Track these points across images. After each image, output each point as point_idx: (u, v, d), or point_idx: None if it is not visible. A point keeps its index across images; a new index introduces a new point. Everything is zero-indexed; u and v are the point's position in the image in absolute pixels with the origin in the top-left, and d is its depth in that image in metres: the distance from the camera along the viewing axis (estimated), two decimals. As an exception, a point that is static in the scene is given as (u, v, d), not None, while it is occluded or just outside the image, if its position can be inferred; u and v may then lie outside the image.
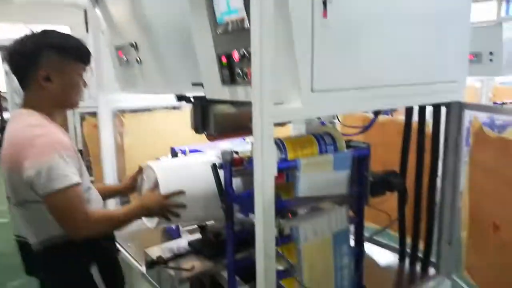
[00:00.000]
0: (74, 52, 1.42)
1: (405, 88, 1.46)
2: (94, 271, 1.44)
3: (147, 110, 2.64)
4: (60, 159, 1.30)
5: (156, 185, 1.71)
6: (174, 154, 2.27)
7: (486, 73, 4.46)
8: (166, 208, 1.61)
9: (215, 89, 1.48)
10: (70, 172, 1.31)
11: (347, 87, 1.25)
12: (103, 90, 2.41)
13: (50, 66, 1.37)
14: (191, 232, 2.32)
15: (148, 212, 1.62)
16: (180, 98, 1.86)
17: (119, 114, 2.57)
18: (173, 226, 2.38)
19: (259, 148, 1.08)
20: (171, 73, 1.90)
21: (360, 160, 1.54)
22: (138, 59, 1.91)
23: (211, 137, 1.91)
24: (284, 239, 1.34)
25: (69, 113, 3.55)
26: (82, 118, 3.63)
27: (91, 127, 3.61)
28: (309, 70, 1.13)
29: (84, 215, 1.34)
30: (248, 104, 1.59)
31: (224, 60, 1.34)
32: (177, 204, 1.63)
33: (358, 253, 1.60)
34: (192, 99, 1.87)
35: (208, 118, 1.83)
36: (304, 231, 1.35)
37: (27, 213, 1.39)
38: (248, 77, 1.25)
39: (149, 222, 1.91)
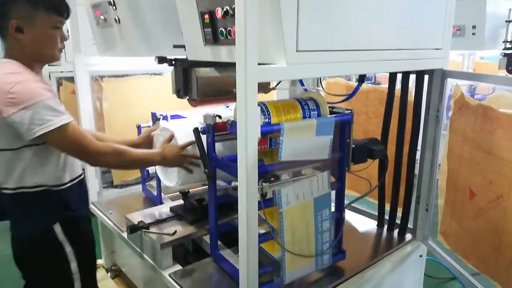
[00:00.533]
0: (45, 3, 1.34)
1: (390, 53, 1.44)
2: (57, 228, 1.42)
3: (127, 75, 2.55)
4: (52, 100, 1.30)
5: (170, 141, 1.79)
6: (155, 119, 2.23)
7: (468, 47, 4.48)
8: (184, 159, 1.66)
9: (198, 50, 1.43)
10: (64, 111, 1.33)
11: (333, 49, 1.22)
12: (80, 53, 2.31)
13: (20, 16, 1.32)
14: (173, 199, 2.32)
15: (165, 161, 1.65)
16: (161, 60, 1.80)
17: (98, 78, 2.48)
18: (155, 193, 2.37)
19: (243, 109, 1.06)
20: (151, 34, 1.83)
21: (343, 126, 1.55)
22: (117, 18, 1.83)
23: (194, 102, 1.87)
24: (266, 203, 1.35)
25: (45, 77, 3.40)
26: (59, 83, 3.49)
27: (68, 93, 3.50)
28: (294, 29, 1.10)
29: (94, 146, 1.39)
30: (232, 67, 1.56)
31: (206, 17, 1.29)
32: (194, 155, 1.66)
33: (339, 218, 1.63)
34: (173, 62, 1.82)
35: (191, 82, 1.77)
36: (286, 195, 1.35)
37: (5, 159, 1.36)
38: (232, 35, 1.21)
39: (169, 181, 1.93)
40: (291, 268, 1.44)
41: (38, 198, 1.39)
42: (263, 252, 1.37)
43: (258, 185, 1.16)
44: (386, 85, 1.95)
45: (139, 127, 2.38)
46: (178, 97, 1.87)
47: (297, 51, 1.12)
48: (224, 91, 1.75)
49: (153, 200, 2.39)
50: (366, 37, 1.34)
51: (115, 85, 2.46)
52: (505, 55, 3.86)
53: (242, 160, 1.11)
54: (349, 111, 1.57)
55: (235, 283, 1.56)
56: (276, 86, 2.01)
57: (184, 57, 1.74)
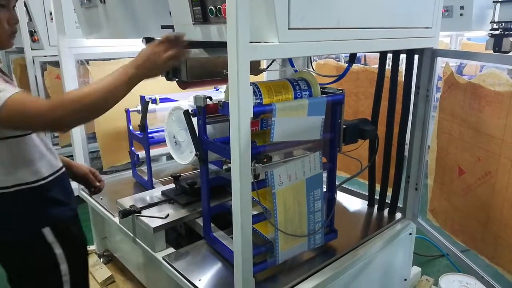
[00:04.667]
0: None
1: (381, 31, 1.44)
2: (46, 231, 1.27)
3: (114, 58, 2.49)
4: None
5: None
6: (144, 102, 2.20)
7: (456, 28, 4.50)
8: (162, 50, 1.25)
9: (187, 30, 1.40)
10: (5, 87, 1.10)
11: (325, 26, 1.21)
12: (64, 36, 2.25)
13: None
14: (164, 183, 2.31)
15: (140, 66, 1.23)
16: (148, 41, 1.76)
17: (84, 62, 2.42)
18: (145, 178, 2.36)
19: (235, 88, 1.05)
20: (138, 14, 1.78)
21: (334, 106, 1.54)
22: (102, -2, 1.78)
23: (183, 85, 1.84)
24: (259, 184, 1.35)
25: (28, 63, 3.31)
26: (44, 68, 3.40)
27: (53, 78, 3.42)
28: (286, 6, 1.08)
29: (44, 103, 1.12)
30: (222, 48, 1.53)
31: (196, -5, 1.26)
32: (171, 37, 1.28)
33: (330, 198, 1.64)
34: None
35: (180, 63, 1.74)
36: (279, 176, 1.35)
37: None
38: (222, 13, 1.18)
39: (183, 159, 1.90)
40: (284, 248, 1.45)
41: (20, 198, 1.24)
42: (256, 233, 1.38)
43: (251, 166, 1.16)
44: (376, 66, 1.95)
45: (127, 112, 2.35)
46: (167, 79, 1.84)
47: (288, 28, 1.10)
48: (214, 73, 1.73)
49: (144, 185, 2.38)
50: (357, 15, 1.33)
51: (102, 68, 2.41)
52: (492, 35, 3.88)
53: (235, 141, 1.10)
54: (340, 91, 1.57)
55: (229, 264, 1.58)
56: (267, 67, 1.99)
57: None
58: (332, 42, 1.26)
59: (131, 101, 2.28)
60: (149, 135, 2.26)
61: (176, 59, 1.29)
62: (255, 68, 1.94)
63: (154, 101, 2.24)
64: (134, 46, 2.11)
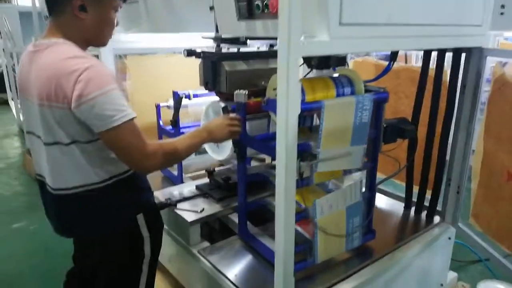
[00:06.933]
0: None
1: (431, 28, 1.39)
2: (140, 217, 1.34)
3: (151, 53, 2.51)
4: (118, 91, 1.15)
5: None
6: (177, 98, 2.19)
7: (497, 27, 4.32)
8: (229, 126, 1.49)
9: (231, 25, 1.39)
10: (126, 105, 1.17)
11: (376, 23, 1.17)
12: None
13: None
14: (194, 178, 2.31)
15: (213, 134, 1.47)
16: (190, 53, 1.77)
17: (122, 57, 2.46)
18: (175, 173, 2.36)
19: (284, 85, 1.03)
20: (177, 10, 1.80)
21: (377, 105, 1.50)
22: (143, -7, 1.80)
23: (222, 95, 1.84)
24: (302, 182, 1.33)
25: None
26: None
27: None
28: (338, 1, 1.05)
29: (148, 148, 1.22)
30: (260, 59, 1.50)
31: (242, -10, 1.24)
32: (237, 118, 1.53)
33: (370, 198, 1.61)
34: (201, 54, 1.78)
35: (220, 75, 1.75)
36: (321, 207, 1.35)
37: (66, 155, 1.22)
38: (270, 8, 1.17)
39: (219, 154, 1.92)
40: (323, 248, 1.43)
41: (116, 189, 1.29)
42: (296, 231, 1.36)
43: (296, 163, 1.14)
44: (415, 64, 1.89)
45: (157, 107, 2.35)
46: (205, 89, 1.85)
47: (340, 24, 1.08)
48: (251, 84, 1.72)
49: (173, 180, 2.37)
50: (407, 11, 1.28)
51: (139, 63, 2.44)
52: (534, 35, 3.70)
53: (282, 137, 1.09)
54: (383, 89, 1.52)
55: (265, 261, 1.57)
56: (306, 75, 1.95)
57: (212, 47, 1.71)
58: (382, 38, 1.22)
59: (166, 96, 2.30)
60: (181, 131, 2.26)
61: (237, 135, 1.54)
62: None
63: (187, 96, 2.22)
64: (171, 42, 2.15)
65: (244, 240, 1.71)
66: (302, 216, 1.38)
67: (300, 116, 1.49)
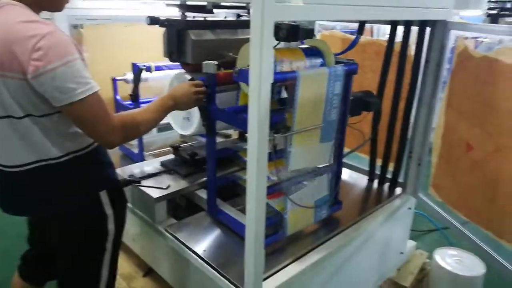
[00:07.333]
0: None
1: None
2: (103, 194, 1.27)
3: (109, 22, 2.35)
4: (81, 61, 1.07)
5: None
6: (136, 70, 2.07)
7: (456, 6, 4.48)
8: (192, 92, 1.44)
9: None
10: (90, 77, 1.09)
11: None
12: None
13: None
14: (156, 156, 2.23)
15: (178, 102, 1.41)
16: (153, 21, 1.66)
17: (78, 26, 2.29)
18: (135, 151, 2.26)
19: (257, 52, 0.99)
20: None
21: (346, 77, 1.50)
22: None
23: (187, 67, 1.76)
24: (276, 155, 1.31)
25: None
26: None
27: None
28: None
29: (113, 121, 1.16)
30: (227, 29, 1.42)
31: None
32: (202, 83, 1.48)
33: (337, 170, 1.62)
34: (165, 23, 1.68)
35: (185, 45, 1.66)
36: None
37: (18, 130, 1.12)
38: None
39: (184, 129, 1.84)
40: (292, 220, 1.44)
41: (77, 164, 1.21)
42: (266, 205, 1.35)
43: (270, 136, 1.11)
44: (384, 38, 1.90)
45: (114, 80, 2.22)
46: (170, 60, 1.76)
47: (314, -11, 1.04)
48: (218, 55, 1.65)
49: (133, 158, 2.27)
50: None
51: (96, 33, 2.28)
52: (489, 15, 3.87)
53: (254, 108, 1.05)
54: (352, 61, 1.52)
55: (235, 235, 1.56)
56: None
57: (177, 17, 1.61)
58: (353, 7, 1.21)
59: (125, 68, 2.17)
60: (141, 106, 2.14)
61: (202, 102, 1.49)
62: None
63: (148, 69, 2.10)
64: (132, 10, 2.02)
65: (213, 215, 1.68)
66: (274, 189, 1.36)
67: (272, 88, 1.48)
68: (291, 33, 1.51)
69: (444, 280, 1.99)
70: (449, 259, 2.05)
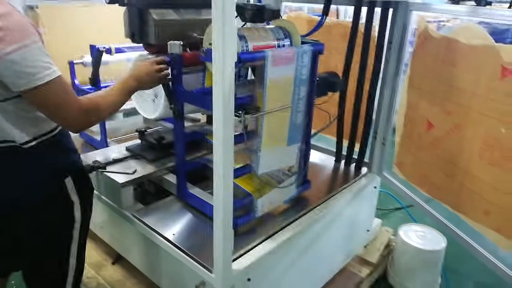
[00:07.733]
0: None
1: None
2: (68, 181, 1.23)
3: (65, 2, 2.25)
4: (40, 44, 1.02)
5: None
6: (95, 53, 1.97)
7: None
8: (155, 70, 1.42)
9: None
10: (51, 61, 1.05)
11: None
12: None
13: None
14: (120, 143, 2.17)
15: (140, 80, 1.38)
16: (112, 0, 1.59)
17: (33, 6, 2.17)
18: (97, 138, 2.19)
19: (220, 29, 0.97)
20: None
21: (313, 58, 1.50)
22: None
23: (150, 48, 1.71)
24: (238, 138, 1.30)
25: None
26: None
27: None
28: None
29: (78, 105, 1.12)
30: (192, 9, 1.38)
31: None
32: (164, 60, 1.46)
33: (306, 150, 1.64)
34: (126, 1, 1.61)
35: (148, 25, 1.60)
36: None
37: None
38: None
39: (148, 113, 1.79)
40: (262, 200, 1.45)
41: (41, 150, 1.17)
42: (235, 187, 1.35)
43: (240, 117, 1.10)
44: (349, 20, 1.92)
45: (71, 64, 2.13)
46: (132, 41, 1.69)
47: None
48: (182, 35, 1.60)
49: (95, 145, 2.19)
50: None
51: (53, 13, 2.17)
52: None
53: (219, 88, 1.04)
54: (318, 41, 1.53)
55: (205, 218, 1.55)
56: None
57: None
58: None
59: (84, 51, 2.07)
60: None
61: (165, 79, 1.47)
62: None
63: (109, 51, 2.01)
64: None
65: (183, 199, 1.67)
66: (245, 171, 1.37)
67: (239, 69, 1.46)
68: (256, 14, 1.50)
69: (408, 254, 2.08)
70: (412, 234, 2.14)
